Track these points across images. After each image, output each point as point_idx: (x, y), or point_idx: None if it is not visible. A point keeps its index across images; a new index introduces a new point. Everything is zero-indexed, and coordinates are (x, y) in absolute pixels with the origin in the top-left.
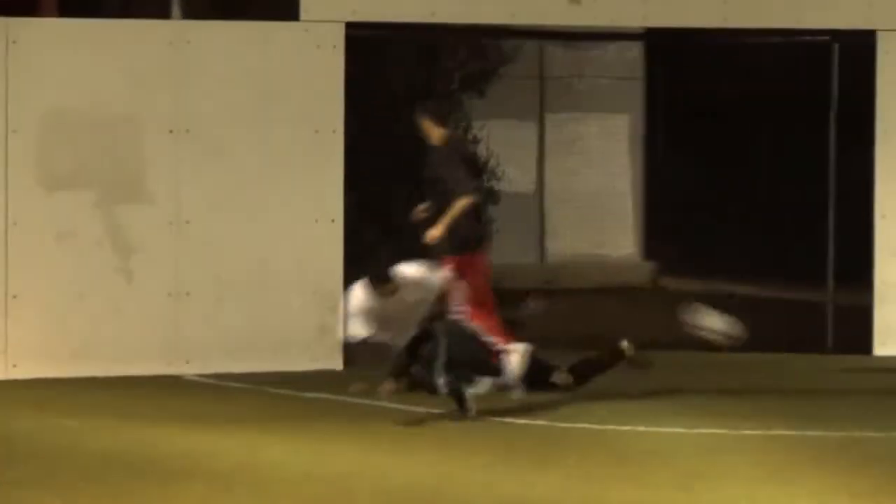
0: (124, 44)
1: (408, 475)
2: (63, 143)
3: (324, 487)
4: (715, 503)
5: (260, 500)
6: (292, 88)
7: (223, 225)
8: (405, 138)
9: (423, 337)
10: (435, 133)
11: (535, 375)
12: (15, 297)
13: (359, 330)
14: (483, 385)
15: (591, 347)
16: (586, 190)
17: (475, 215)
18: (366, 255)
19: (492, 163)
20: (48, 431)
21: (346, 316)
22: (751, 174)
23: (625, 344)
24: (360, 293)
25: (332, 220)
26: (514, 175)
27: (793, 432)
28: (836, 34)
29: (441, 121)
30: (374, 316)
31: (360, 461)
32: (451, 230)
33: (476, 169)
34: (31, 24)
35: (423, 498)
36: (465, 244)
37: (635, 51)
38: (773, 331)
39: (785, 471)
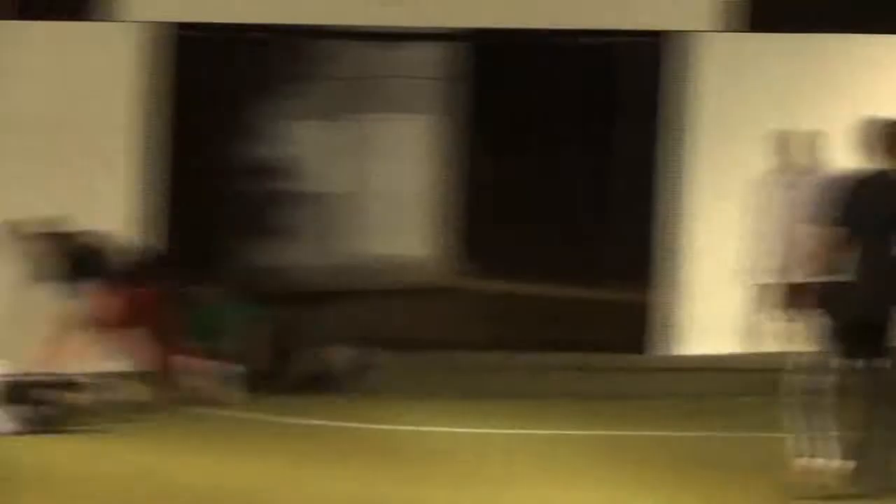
0: None
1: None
2: None
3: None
4: (499, 500)
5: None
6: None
7: None
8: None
9: None
10: None
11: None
12: None
13: None
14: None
15: (389, 348)
16: (392, 190)
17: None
18: None
19: (294, 164)
20: None
21: None
22: (561, 175)
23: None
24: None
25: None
26: (320, 176)
27: (580, 432)
28: (656, 35)
29: None
30: None
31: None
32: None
33: None
34: None
35: (209, 496)
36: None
37: (451, 51)
38: (573, 332)
39: (569, 468)
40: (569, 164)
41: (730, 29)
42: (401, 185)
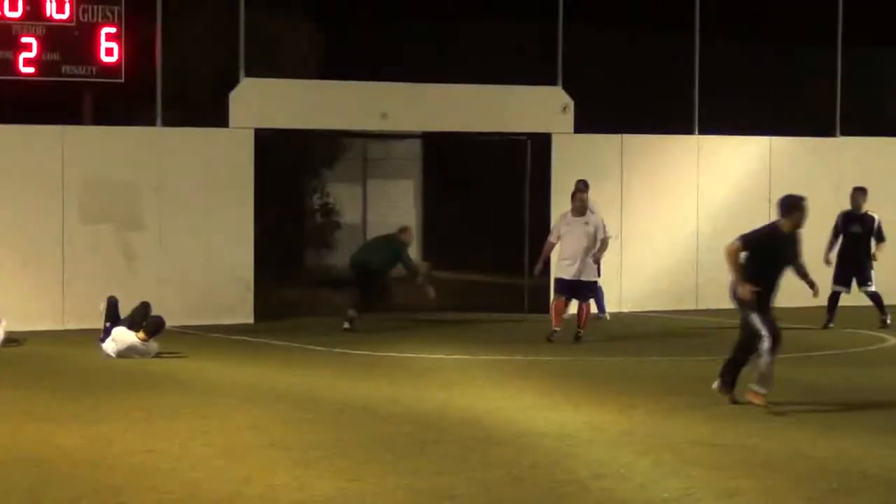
0: None
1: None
2: None
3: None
4: (468, 399)
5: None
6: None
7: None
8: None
9: None
10: None
11: None
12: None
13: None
14: None
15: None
16: (386, 221)
17: None
18: None
19: (333, 206)
20: None
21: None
22: (478, 213)
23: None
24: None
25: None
26: (348, 213)
27: (505, 357)
28: (530, 135)
29: None
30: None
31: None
32: None
33: None
34: None
35: (294, 391)
36: None
37: (416, 144)
38: (488, 300)
39: (503, 377)
40: (482, 205)
41: (568, 132)
42: (394, 218)
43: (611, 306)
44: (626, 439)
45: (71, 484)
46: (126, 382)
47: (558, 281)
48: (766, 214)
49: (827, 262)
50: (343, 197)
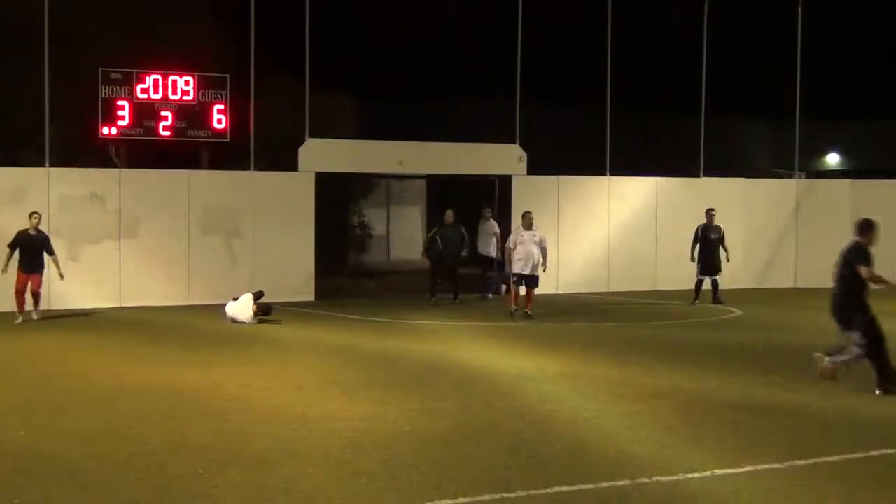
0: None
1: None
2: None
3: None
4: (458, 351)
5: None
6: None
7: None
8: None
9: None
10: None
11: None
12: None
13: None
14: None
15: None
16: (404, 235)
17: None
18: None
19: (370, 225)
20: None
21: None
22: (467, 230)
23: None
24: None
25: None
26: (379, 229)
27: (480, 323)
28: (497, 176)
29: None
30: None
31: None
32: None
33: None
34: None
35: (340, 347)
36: None
37: (423, 183)
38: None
39: (487, 339)
40: (466, 222)
41: (523, 175)
42: (408, 231)
43: (550, 290)
44: (563, 378)
45: (194, 408)
46: (231, 340)
47: (516, 275)
48: (653, 229)
49: (692, 259)
50: (373, 218)
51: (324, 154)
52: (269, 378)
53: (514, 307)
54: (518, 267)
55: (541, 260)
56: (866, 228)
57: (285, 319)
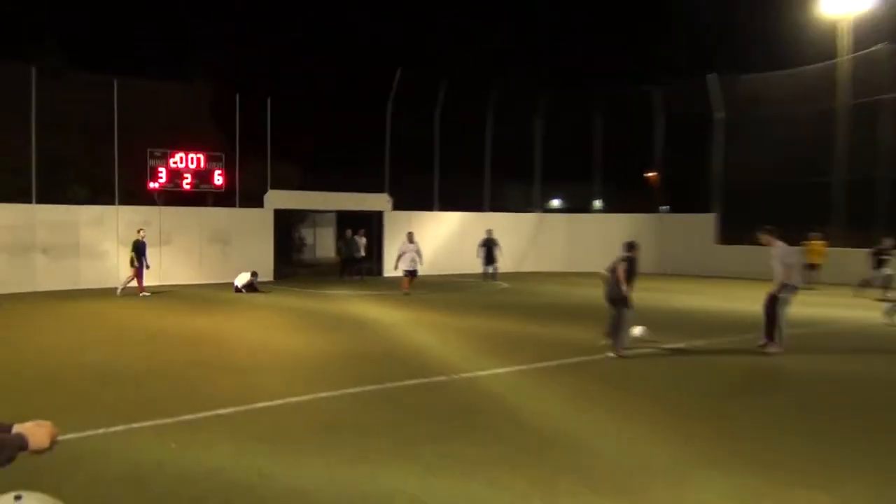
0: None
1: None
2: None
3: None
4: (358, 309)
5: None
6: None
7: None
8: None
9: None
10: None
11: None
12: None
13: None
14: None
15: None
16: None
17: None
18: None
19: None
20: None
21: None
22: (344, 236)
23: None
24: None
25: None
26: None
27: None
28: (375, 212)
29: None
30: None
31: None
32: None
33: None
34: None
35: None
36: None
37: (334, 216)
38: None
39: (380, 303)
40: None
41: (389, 211)
42: (327, 243)
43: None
44: (414, 323)
45: (206, 344)
46: (229, 303)
47: (406, 271)
48: (460, 239)
49: (477, 256)
50: (306, 234)
51: (279, 199)
52: (253, 326)
53: (406, 291)
54: (405, 265)
55: (419, 260)
56: (635, 246)
57: (262, 291)
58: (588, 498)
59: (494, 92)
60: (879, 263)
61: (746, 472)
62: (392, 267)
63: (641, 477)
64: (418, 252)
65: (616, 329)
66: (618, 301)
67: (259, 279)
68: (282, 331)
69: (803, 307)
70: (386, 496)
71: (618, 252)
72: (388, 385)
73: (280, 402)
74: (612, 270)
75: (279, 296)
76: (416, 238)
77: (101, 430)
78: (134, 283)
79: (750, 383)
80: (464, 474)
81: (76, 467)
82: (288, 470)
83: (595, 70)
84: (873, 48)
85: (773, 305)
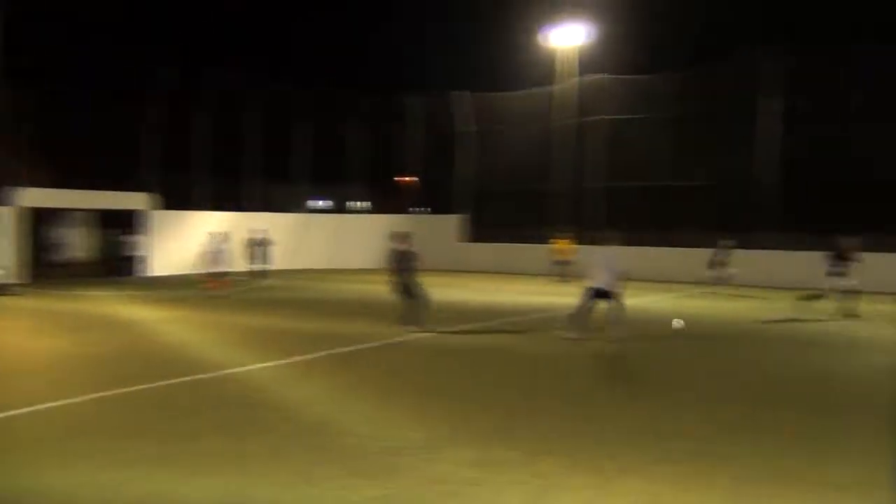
0: None
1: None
2: None
3: None
4: (126, 311)
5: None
6: None
7: None
8: None
9: None
10: None
11: None
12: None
13: None
14: None
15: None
16: None
17: None
18: None
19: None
20: None
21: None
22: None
23: None
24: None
25: None
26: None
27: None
28: (138, 211)
29: None
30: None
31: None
32: None
33: None
34: None
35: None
36: None
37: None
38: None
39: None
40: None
41: (154, 209)
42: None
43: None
44: (181, 321)
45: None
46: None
47: (209, 273)
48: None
49: (246, 255)
50: (69, 234)
51: (34, 197)
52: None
53: (214, 290)
54: (213, 267)
55: (223, 259)
56: (407, 237)
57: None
58: (345, 481)
59: (257, 95)
60: (713, 265)
61: (492, 445)
62: (159, 266)
63: (398, 456)
64: (221, 250)
65: (411, 314)
66: (408, 291)
67: (7, 281)
68: (36, 333)
69: (531, 296)
70: (137, 498)
71: (387, 246)
72: (151, 385)
73: (27, 409)
74: (397, 262)
75: (33, 298)
76: (194, 237)
77: None
78: None
79: (488, 364)
80: (224, 470)
81: None
82: (22, 482)
83: (358, 79)
84: (596, 76)
85: None
